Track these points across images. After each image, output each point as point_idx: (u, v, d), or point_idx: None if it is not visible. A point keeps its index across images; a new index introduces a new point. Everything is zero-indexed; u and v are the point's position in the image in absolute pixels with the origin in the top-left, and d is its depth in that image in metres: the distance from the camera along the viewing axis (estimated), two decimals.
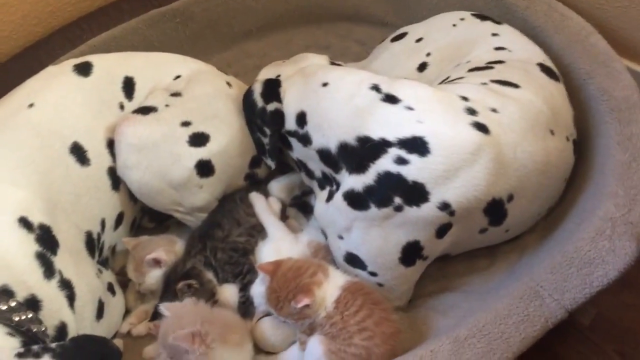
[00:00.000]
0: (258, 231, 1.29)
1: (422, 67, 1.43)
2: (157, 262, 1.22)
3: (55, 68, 1.26)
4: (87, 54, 1.35)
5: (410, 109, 1.11)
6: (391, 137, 1.09)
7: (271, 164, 1.30)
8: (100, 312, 1.13)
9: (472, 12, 1.52)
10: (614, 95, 1.35)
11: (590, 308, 1.34)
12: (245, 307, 1.20)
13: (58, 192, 1.12)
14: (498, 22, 1.48)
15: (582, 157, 1.33)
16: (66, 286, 1.04)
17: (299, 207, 1.39)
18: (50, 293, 1.01)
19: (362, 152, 1.10)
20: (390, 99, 1.12)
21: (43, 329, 0.96)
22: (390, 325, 1.09)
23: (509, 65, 1.33)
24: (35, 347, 0.87)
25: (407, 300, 1.25)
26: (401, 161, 1.07)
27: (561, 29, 1.50)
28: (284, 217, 1.36)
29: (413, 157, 1.07)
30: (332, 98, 1.16)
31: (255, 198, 1.33)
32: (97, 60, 1.27)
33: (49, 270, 1.02)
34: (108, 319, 1.15)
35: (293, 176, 1.37)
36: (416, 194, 1.07)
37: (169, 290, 1.20)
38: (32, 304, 0.97)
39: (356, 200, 1.11)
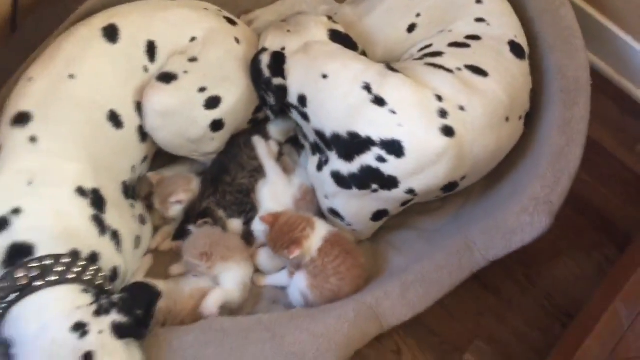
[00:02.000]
0: (258, 172, 1.58)
1: (412, 28, 1.59)
2: (178, 202, 1.53)
3: (85, 30, 1.40)
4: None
5: (394, 112, 1.34)
6: (375, 137, 1.34)
7: (272, 116, 1.54)
8: (137, 244, 1.46)
9: None
10: (566, 75, 1.57)
11: None
12: (248, 237, 1.55)
13: (101, 156, 1.36)
14: None
15: (530, 126, 1.58)
16: (115, 236, 1.35)
17: (292, 142, 1.66)
18: (105, 246, 1.32)
19: (351, 145, 1.36)
20: (378, 101, 1.34)
21: (103, 274, 1.29)
22: (358, 270, 1.47)
23: (484, 45, 1.52)
24: (104, 302, 1.20)
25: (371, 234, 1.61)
26: (381, 159, 1.34)
27: None
28: (280, 154, 1.64)
29: (391, 158, 1.33)
30: (330, 93, 1.37)
31: (257, 142, 1.59)
32: (123, 23, 1.41)
33: (102, 228, 1.32)
34: (142, 246, 1.49)
35: (290, 120, 1.60)
36: (389, 183, 1.37)
37: (188, 221, 1.53)
38: (94, 258, 1.28)
39: (341, 180, 1.40)
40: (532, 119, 1.59)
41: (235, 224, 1.55)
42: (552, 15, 1.63)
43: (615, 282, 1.47)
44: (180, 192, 1.53)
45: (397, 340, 1.63)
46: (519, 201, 1.48)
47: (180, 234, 1.54)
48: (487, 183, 1.62)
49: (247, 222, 1.55)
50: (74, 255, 1.25)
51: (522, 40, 1.57)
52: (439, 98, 1.38)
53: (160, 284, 1.40)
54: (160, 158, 1.61)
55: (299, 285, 1.46)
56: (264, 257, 1.54)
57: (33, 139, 1.29)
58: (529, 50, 1.57)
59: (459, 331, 1.65)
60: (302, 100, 1.42)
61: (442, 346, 1.63)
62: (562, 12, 1.62)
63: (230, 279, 1.48)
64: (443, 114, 1.36)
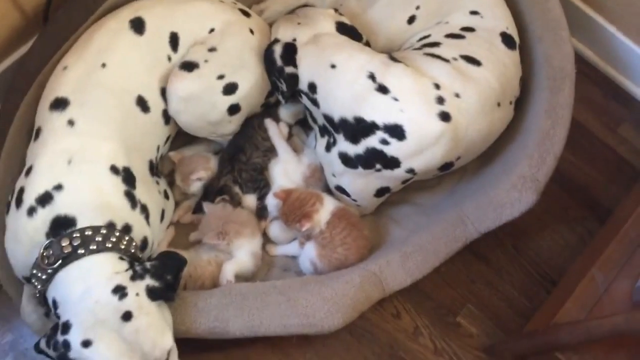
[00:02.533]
0: (271, 151, 1.73)
1: (411, 19, 1.71)
2: (198, 179, 1.68)
3: (114, 23, 1.53)
4: None
5: (396, 99, 1.48)
6: (379, 121, 1.48)
7: (283, 101, 1.68)
8: (162, 217, 1.60)
9: None
10: (553, 64, 1.71)
11: None
12: (262, 211, 1.70)
13: (131, 138, 1.50)
14: None
15: (520, 110, 1.72)
16: (144, 210, 1.49)
17: (300, 124, 1.81)
18: (136, 218, 1.46)
19: (357, 128, 1.50)
20: (382, 89, 1.48)
21: (134, 244, 1.44)
22: (363, 241, 1.62)
23: (478, 36, 1.65)
24: (138, 269, 1.34)
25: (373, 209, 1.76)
26: (384, 142, 1.49)
27: None
28: (289, 135, 1.78)
29: (393, 141, 1.48)
30: (338, 81, 1.51)
31: (269, 124, 1.74)
32: (148, 16, 1.53)
33: (133, 202, 1.46)
34: (166, 219, 1.63)
35: (299, 104, 1.74)
36: (392, 163, 1.51)
37: (207, 196, 1.68)
38: (127, 229, 1.43)
39: (348, 161, 1.55)
40: (521, 104, 1.72)
41: (250, 200, 1.70)
42: (540, 8, 1.76)
43: (593, 251, 1.63)
44: (201, 169, 1.68)
45: (396, 304, 1.79)
46: (509, 179, 1.62)
47: (200, 208, 1.69)
48: (480, 162, 1.77)
49: (261, 198, 1.70)
50: (110, 226, 1.39)
51: (512, 32, 1.70)
52: (437, 86, 1.51)
53: (182, 253, 1.55)
54: (180, 138, 1.75)
55: (308, 254, 1.62)
56: (276, 229, 1.69)
57: (71, 122, 1.43)
58: (519, 41, 1.71)
59: (452, 296, 1.81)
60: (312, 87, 1.56)
61: (437, 310, 1.79)
62: (550, 5, 1.75)
63: (241, 250, 1.63)
64: (440, 100, 1.50)
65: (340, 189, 1.65)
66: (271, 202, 1.68)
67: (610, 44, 1.98)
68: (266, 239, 1.72)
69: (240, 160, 1.69)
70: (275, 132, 1.73)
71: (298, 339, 1.69)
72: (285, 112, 1.77)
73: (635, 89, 2.04)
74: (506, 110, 1.65)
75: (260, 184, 1.70)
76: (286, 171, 1.71)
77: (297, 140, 1.79)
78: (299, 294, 1.48)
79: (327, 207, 1.62)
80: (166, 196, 1.65)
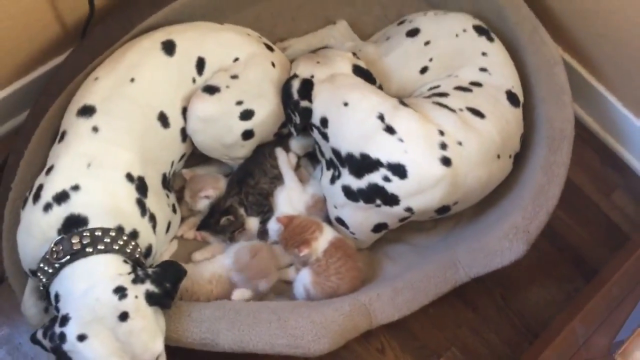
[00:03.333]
0: (278, 179, 1.82)
1: (424, 70, 1.82)
2: (206, 197, 1.76)
3: (147, 42, 1.64)
4: (169, 16, 1.72)
5: (401, 140, 1.57)
6: (384, 160, 1.57)
7: (294, 133, 1.77)
8: (168, 229, 1.68)
9: (474, 24, 1.84)
10: (553, 126, 1.80)
11: None
12: (263, 234, 1.78)
13: (149, 150, 1.58)
14: (491, 39, 1.84)
15: (518, 164, 1.81)
16: (152, 219, 1.57)
17: (308, 157, 1.90)
18: (144, 226, 1.53)
19: (362, 164, 1.59)
20: (389, 130, 1.58)
21: (139, 249, 1.50)
22: (356, 272, 1.69)
23: (484, 91, 1.75)
24: (140, 273, 1.41)
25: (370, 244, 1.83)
26: (386, 179, 1.57)
27: (538, 52, 1.87)
28: (297, 165, 1.87)
29: (395, 179, 1.56)
30: (349, 118, 1.61)
31: (280, 153, 1.83)
32: (179, 40, 1.65)
33: (143, 210, 1.54)
34: (171, 231, 1.71)
35: (309, 138, 1.83)
36: (391, 200, 1.59)
37: (213, 215, 1.75)
38: (134, 235, 1.50)
39: (350, 194, 1.63)
40: (520, 159, 1.81)
41: (253, 222, 1.77)
42: (546, 73, 1.86)
43: (576, 306, 1.69)
44: (209, 188, 1.76)
45: (382, 340, 1.83)
46: (501, 228, 1.69)
47: (204, 225, 1.76)
48: (476, 210, 1.84)
49: (264, 222, 1.78)
50: (119, 230, 1.46)
51: (518, 91, 1.80)
52: (441, 133, 1.60)
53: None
54: (194, 158, 1.83)
55: (303, 280, 1.68)
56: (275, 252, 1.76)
57: (95, 129, 1.52)
58: (524, 100, 1.81)
59: (438, 338, 1.86)
60: (324, 122, 1.66)
61: (422, 350, 1.84)
62: (556, 70, 1.86)
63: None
64: (443, 146, 1.59)
65: (340, 221, 1.72)
66: (272, 226, 1.75)
67: (610, 113, 2.08)
68: None
69: (248, 184, 1.78)
70: (284, 161, 1.82)
71: None
72: (296, 143, 1.86)
73: (631, 158, 2.12)
74: (505, 163, 1.73)
75: (265, 209, 1.78)
76: (290, 199, 1.79)
77: (304, 172, 1.88)
78: (290, 315, 1.54)
79: (326, 236, 1.69)
80: (174, 210, 1.73)
